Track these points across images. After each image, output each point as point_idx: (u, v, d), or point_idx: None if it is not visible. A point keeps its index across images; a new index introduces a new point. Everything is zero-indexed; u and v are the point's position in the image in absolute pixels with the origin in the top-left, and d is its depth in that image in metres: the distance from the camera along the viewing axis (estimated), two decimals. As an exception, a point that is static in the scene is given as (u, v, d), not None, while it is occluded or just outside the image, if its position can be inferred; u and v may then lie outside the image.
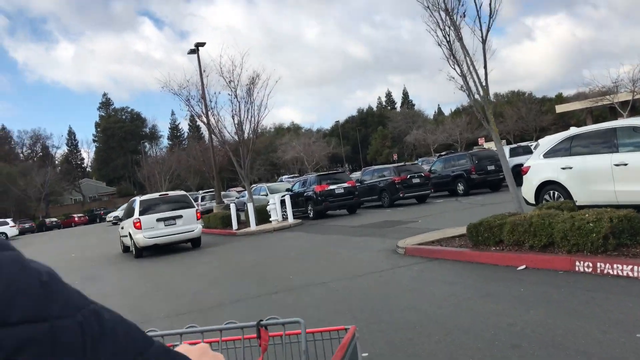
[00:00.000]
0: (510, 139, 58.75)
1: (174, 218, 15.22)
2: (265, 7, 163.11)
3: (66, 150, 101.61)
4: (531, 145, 26.87)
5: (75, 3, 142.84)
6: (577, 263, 6.30)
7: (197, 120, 22.30)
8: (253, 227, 18.85)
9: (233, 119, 19.88)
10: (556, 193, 10.26)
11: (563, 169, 10.00)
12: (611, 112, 65.94)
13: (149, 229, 14.85)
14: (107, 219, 51.56)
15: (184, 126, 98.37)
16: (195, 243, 16.21)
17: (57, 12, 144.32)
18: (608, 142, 9.30)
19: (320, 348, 1.94)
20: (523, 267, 6.93)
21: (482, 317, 4.93)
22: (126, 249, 17.17)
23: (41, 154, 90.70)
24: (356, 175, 33.48)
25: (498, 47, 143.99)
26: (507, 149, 24.95)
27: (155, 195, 16.39)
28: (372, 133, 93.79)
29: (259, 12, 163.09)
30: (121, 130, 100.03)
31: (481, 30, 8.66)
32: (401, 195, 21.04)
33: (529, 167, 10.92)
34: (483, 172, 22.07)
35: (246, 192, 32.90)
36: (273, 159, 64.23)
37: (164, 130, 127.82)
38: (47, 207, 73.71)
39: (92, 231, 40.09)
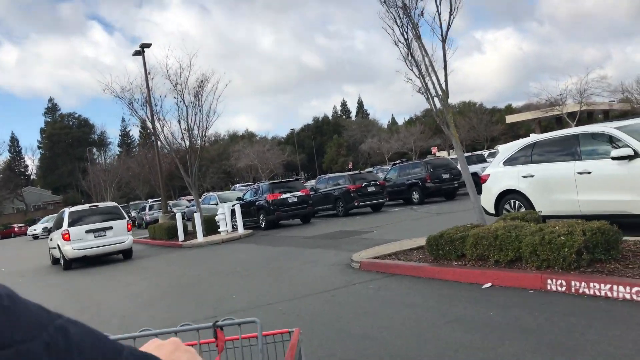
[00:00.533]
0: (462, 148, 59.58)
1: (104, 229, 14.98)
2: (219, 14, 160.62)
3: (8, 157, 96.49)
4: (485, 154, 26.89)
5: (19, 4, 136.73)
6: (549, 281, 5.69)
7: (144, 126, 20.96)
8: (200, 238, 17.73)
9: (179, 124, 18.78)
10: (517, 202, 9.77)
11: (524, 177, 9.53)
12: (558, 122, 68.24)
13: (77, 241, 14.56)
14: (28, 233, 45.45)
15: (135, 133, 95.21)
16: (126, 254, 15.83)
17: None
18: (571, 150, 8.87)
19: (268, 349, 1.98)
20: (489, 285, 6.28)
21: (449, 351, 4.20)
22: (55, 261, 16.18)
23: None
24: (311, 183, 32.70)
25: (449, 59, 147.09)
26: (462, 158, 24.77)
27: (86, 206, 15.97)
28: (327, 141, 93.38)
29: (213, 20, 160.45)
30: (67, 136, 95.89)
31: (441, 27, 8.07)
32: (356, 204, 20.41)
33: (489, 175, 10.42)
34: (438, 180, 21.73)
35: (196, 200, 31.55)
36: (226, 166, 62.51)
37: (113, 137, 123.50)
38: (-15, 216, 69.48)
39: (30, 242, 37.67)
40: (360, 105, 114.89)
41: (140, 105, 19.97)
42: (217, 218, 18.63)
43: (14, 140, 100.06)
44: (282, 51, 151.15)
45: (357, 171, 22.40)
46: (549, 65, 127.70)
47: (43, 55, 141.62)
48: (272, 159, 51.49)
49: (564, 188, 8.83)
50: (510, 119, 68.90)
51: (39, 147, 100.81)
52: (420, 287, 6.81)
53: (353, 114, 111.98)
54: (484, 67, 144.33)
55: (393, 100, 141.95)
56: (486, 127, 67.80)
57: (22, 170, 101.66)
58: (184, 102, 19.47)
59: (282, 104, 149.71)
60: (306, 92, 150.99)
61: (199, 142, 19.55)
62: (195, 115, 19.48)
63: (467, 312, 5.24)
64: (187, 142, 18.88)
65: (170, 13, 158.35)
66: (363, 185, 20.70)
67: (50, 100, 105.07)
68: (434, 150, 62.89)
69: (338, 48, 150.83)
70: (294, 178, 23.17)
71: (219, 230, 18.55)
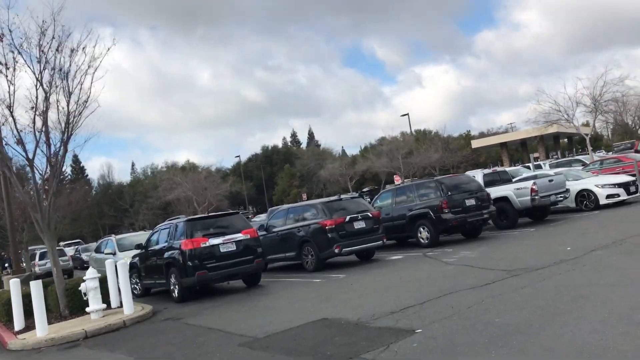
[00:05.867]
0: (434, 172, 52.43)
1: None
2: (152, 49, 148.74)
3: None
4: (507, 171, 19.33)
5: None
6: None
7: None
8: (41, 332, 8.88)
9: (10, 111, 10.09)
10: None
11: None
12: (523, 146, 63.25)
13: None
14: None
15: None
16: None
17: None
18: None
19: None
20: None
21: None
22: None
23: None
24: (261, 218, 24.22)
25: (390, 95, 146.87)
26: (480, 175, 17.14)
27: None
28: (278, 172, 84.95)
29: (146, 54, 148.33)
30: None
31: None
32: (336, 250, 12.20)
33: None
34: (460, 209, 13.88)
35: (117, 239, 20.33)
36: (154, 200, 52.55)
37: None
38: None
39: None
40: (311, 135, 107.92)
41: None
42: (82, 287, 9.87)
43: None
44: (222, 85, 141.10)
45: (338, 196, 14.13)
46: (487, 98, 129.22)
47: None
48: (211, 189, 42.32)
49: None
50: (475, 143, 64.01)
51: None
52: None
53: (304, 145, 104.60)
54: (425, 101, 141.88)
55: (341, 134, 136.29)
56: (452, 153, 61.85)
57: None
58: (41, 83, 10.97)
59: (226, 138, 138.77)
60: (251, 126, 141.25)
61: (59, 149, 10.92)
62: (57, 103, 11.03)
63: None
64: (32, 150, 10.18)
65: (98, 46, 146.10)
66: (347, 219, 12.52)
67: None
68: (397, 178, 55.71)
69: (280, 82, 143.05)
70: (231, 211, 14.15)
71: (87, 309, 9.83)
